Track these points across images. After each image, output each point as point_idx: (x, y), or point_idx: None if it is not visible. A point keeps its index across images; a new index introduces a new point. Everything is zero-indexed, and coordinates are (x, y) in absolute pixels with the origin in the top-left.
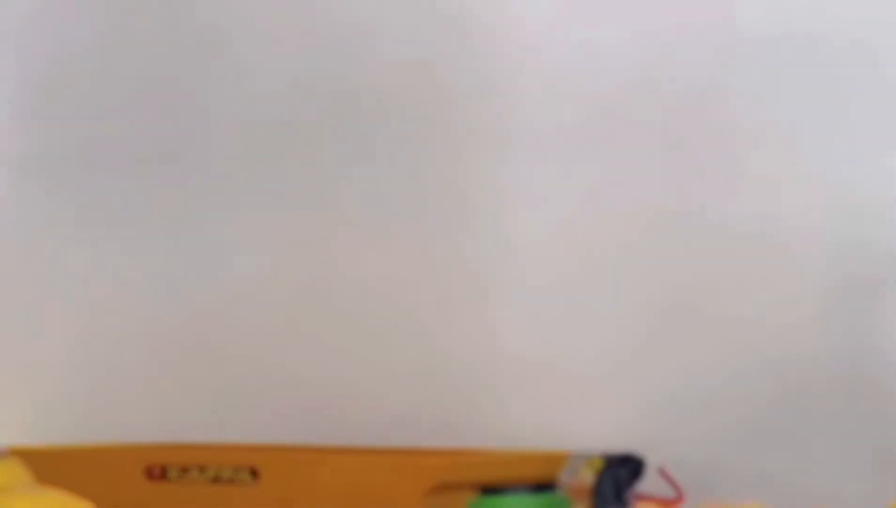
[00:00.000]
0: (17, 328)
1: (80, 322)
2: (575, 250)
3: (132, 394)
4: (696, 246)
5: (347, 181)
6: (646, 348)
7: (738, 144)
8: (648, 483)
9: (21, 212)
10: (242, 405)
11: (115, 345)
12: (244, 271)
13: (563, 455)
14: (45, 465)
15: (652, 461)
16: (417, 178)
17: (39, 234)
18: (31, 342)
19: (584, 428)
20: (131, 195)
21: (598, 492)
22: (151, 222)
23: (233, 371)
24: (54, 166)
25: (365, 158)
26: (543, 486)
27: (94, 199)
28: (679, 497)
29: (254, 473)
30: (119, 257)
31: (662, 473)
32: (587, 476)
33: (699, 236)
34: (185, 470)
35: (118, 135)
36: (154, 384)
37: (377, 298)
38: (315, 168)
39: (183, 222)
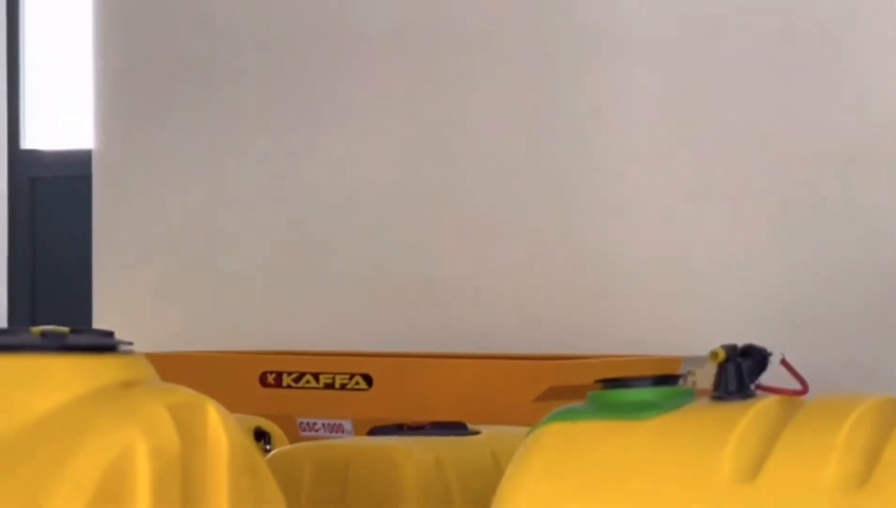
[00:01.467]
0: (137, 239)
1: (198, 235)
2: (693, 154)
3: (249, 303)
4: (812, 146)
5: (468, 88)
6: (766, 246)
7: (851, 42)
8: (771, 375)
9: (135, 124)
10: (356, 313)
11: (233, 255)
12: (361, 178)
13: (676, 360)
14: (166, 370)
15: (775, 353)
16: (536, 85)
17: (154, 145)
18: (150, 252)
19: (706, 329)
20: (247, 103)
21: (720, 383)
22: (268, 130)
23: (347, 281)
24: (169, 81)
25: (482, 67)
26: (665, 379)
27: (210, 108)
28: (803, 389)
29: (367, 380)
30: (234, 166)
31: (785, 364)
32: (709, 371)
33: (814, 136)
34: (299, 377)
35: (230, 48)
36: (270, 294)
37: (494, 206)
38: (435, 73)
39: (300, 129)
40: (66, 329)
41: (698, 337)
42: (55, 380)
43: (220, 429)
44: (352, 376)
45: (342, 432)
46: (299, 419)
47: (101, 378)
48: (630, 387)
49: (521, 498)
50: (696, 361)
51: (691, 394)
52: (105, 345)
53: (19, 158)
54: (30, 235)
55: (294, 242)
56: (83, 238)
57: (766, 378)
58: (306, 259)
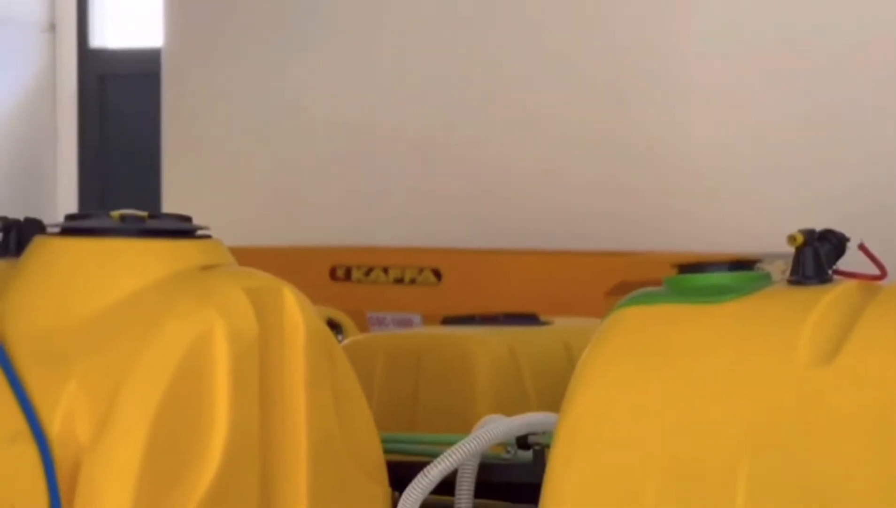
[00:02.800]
0: (206, 136)
1: (268, 130)
2: (764, 40)
3: (320, 198)
4: (877, 44)
5: None
6: (841, 135)
7: None
8: (849, 262)
9: (204, 21)
10: (426, 208)
11: (303, 150)
12: (428, 73)
13: (751, 258)
14: (239, 263)
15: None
16: None
17: (224, 42)
18: (219, 148)
19: (771, 227)
20: (324, 10)
21: (798, 268)
22: (341, 25)
23: (418, 176)
24: None
25: None
26: (741, 264)
27: (282, 3)
28: (881, 274)
29: (437, 274)
30: (306, 61)
31: (863, 249)
32: (779, 268)
33: (877, 36)
34: (369, 271)
35: None
36: (341, 188)
37: (563, 102)
38: None
39: (373, 24)
40: (144, 214)
41: (770, 234)
42: (135, 264)
43: (296, 313)
44: (421, 270)
45: (411, 326)
46: (369, 314)
47: (179, 262)
48: (706, 271)
49: (598, 380)
50: (767, 258)
51: (768, 279)
52: (183, 230)
53: (88, 56)
54: (99, 132)
55: (365, 138)
56: (151, 135)
57: (843, 265)
58: (376, 155)
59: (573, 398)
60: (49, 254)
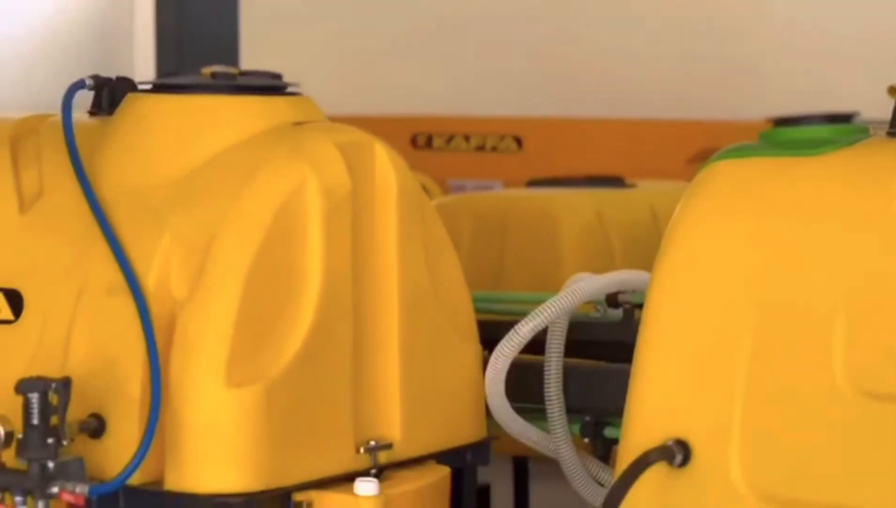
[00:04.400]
0: (288, 4)
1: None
2: None
3: (401, 66)
4: None
5: None
6: None
7: None
8: None
9: None
10: (508, 77)
11: (387, 18)
12: None
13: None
14: None
15: None
16: None
17: None
18: (302, 13)
19: (859, 95)
20: None
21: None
22: None
23: (499, 44)
24: None
25: None
26: (839, 116)
27: None
28: None
29: (518, 142)
30: None
31: None
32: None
33: None
34: (450, 139)
35: None
36: (422, 57)
37: None
38: None
39: None
40: (235, 70)
41: (857, 102)
42: (227, 120)
43: (388, 169)
44: (502, 137)
45: None
46: (450, 182)
47: (271, 118)
48: (803, 124)
49: (693, 233)
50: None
51: (866, 131)
52: (274, 86)
53: None
54: (177, 9)
55: (446, 5)
56: (229, 8)
57: None
58: (457, 23)
59: (667, 251)
60: (142, 111)
